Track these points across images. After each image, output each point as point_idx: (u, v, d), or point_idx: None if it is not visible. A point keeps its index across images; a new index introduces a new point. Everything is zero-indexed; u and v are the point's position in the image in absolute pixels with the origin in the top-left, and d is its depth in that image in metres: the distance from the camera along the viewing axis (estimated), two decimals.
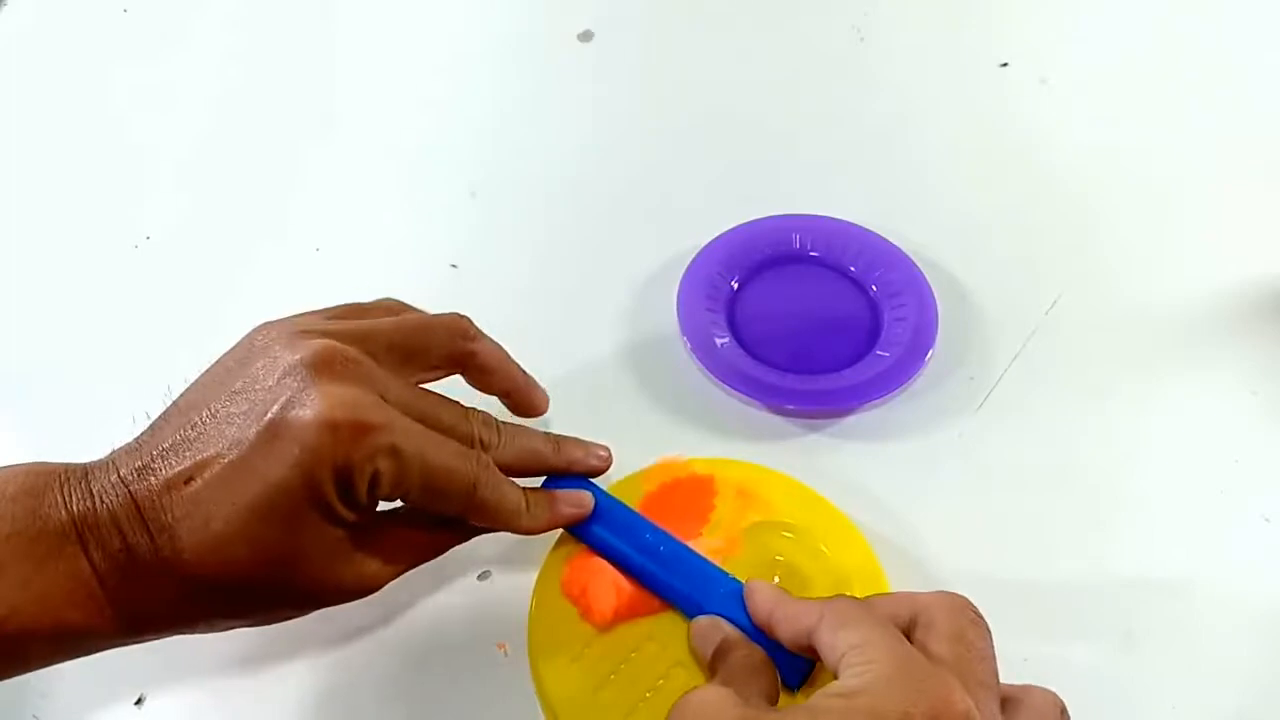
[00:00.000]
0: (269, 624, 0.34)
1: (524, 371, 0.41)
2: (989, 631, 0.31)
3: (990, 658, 0.30)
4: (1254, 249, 0.51)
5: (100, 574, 0.30)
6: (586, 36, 0.63)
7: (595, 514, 0.38)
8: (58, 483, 0.31)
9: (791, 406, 0.45)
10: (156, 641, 0.39)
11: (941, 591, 0.31)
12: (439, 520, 0.36)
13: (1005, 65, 0.60)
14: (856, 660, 0.28)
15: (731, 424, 0.45)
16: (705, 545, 0.38)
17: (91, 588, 0.30)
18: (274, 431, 0.30)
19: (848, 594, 0.37)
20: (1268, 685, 0.38)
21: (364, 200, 0.55)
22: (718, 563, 0.38)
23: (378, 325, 0.36)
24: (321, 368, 0.32)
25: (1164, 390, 0.46)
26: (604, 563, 0.38)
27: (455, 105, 0.60)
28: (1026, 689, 0.31)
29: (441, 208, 0.54)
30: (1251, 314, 0.49)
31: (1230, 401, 0.46)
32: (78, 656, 0.32)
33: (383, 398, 0.32)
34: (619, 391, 0.46)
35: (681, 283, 0.48)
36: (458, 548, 0.38)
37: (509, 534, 0.38)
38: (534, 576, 0.38)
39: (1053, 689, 0.31)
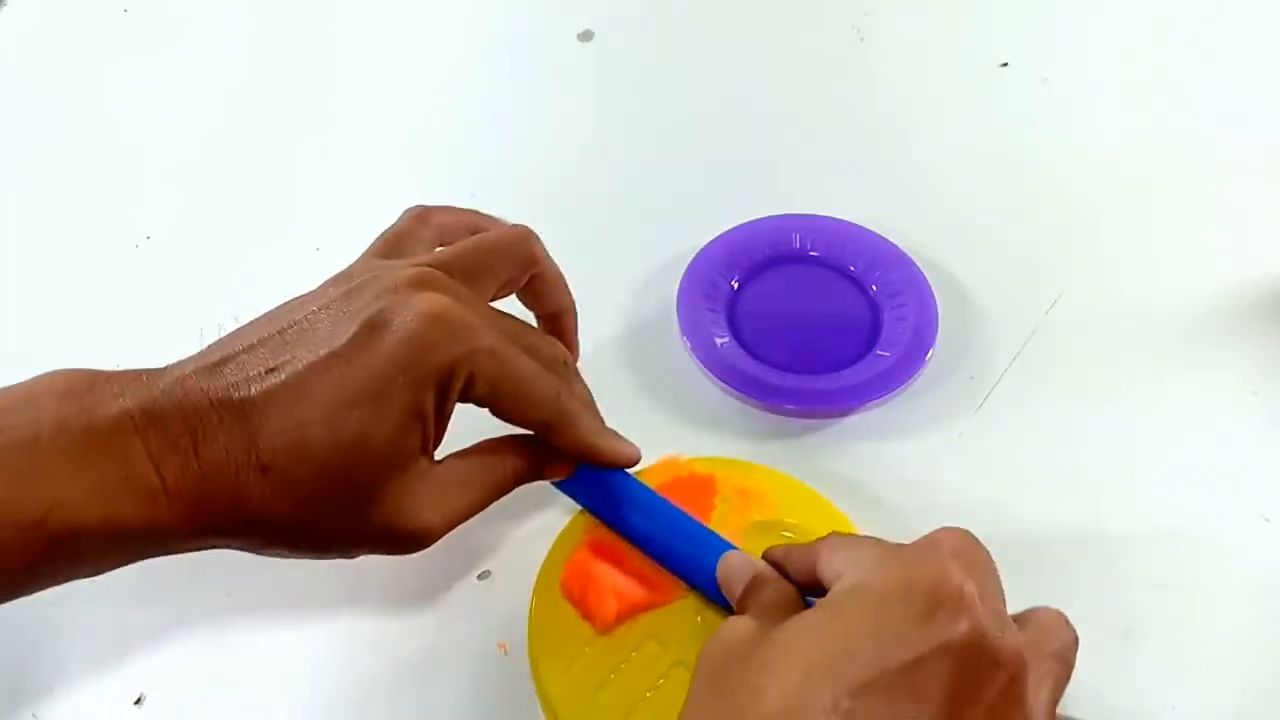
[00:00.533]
0: (324, 556, 0.33)
1: (574, 302, 0.41)
2: (991, 560, 0.31)
3: (994, 574, 0.30)
4: (1254, 249, 0.51)
5: (159, 467, 0.29)
6: (586, 36, 0.63)
7: (620, 492, 0.38)
8: (107, 380, 0.30)
9: (791, 406, 0.45)
10: (157, 641, 0.39)
11: (945, 526, 0.31)
12: (510, 447, 0.36)
13: (1005, 65, 0.60)
14: (850, 567, 0.30)
15: (731, 424, 0.45)
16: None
17: (149, 481, 0.28)
18: (375, 326, 0.30)
19: None
20: (1268, 685, 0.38)
21: (364, 200, 0.55)
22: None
23: (444, 255, 0.36)
24: (416, 283, 0.32)
25: (1164, 390, 0.46)
26: (603, 565, 0.37)
27: (455, 105, 0.60)
28: (1032, 610, 0.31)
29: None
30: (1251, 314, 0.49)
31: (1230, 401, 0.46)
32: (141, 558, 0.31)
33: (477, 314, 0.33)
34: (618, 391, 0.46)
35: (681, 283, 0.48)
36: (459, 546, 0.38)
37: (508, 534, 0.38)
38: (534, 576, 0.38)
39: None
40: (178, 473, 0.29)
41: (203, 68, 0.62)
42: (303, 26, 0.64)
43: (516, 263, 0.38)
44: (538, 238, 0.39)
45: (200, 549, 0.31)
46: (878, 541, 0.31)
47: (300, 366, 0.30)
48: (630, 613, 0.37)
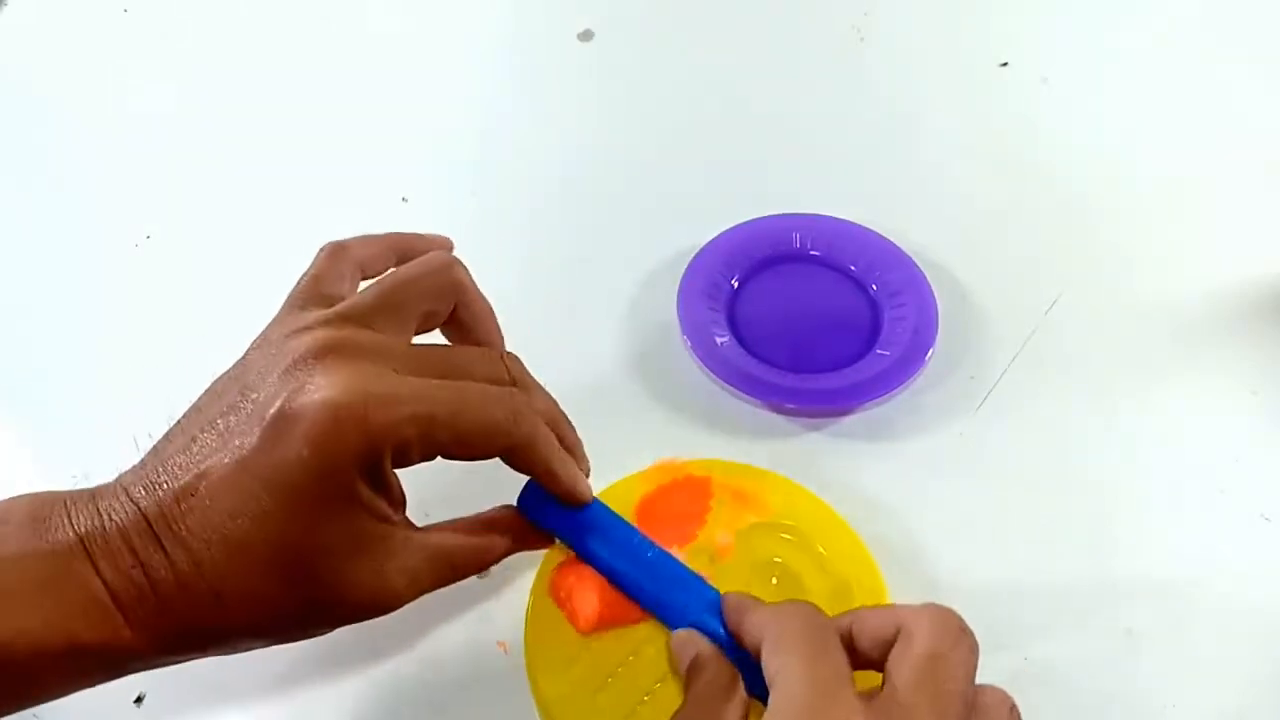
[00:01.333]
0: (302, 639, 0.32)
1: (501, 337, 0.39)
2: (974, 646, 0.29)
3: (963, 677, 0.29)
4: (1254, 249, 0.51)
5: (114, 591, 0.29)
6: (586, 36, 0.63)
7: (587, 521, 0.37)
8: (63, 506, 0.30)
9: (792, 405, 0.45)
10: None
11: (931, 605, 0.30)
12: (495, 527, 0.35)
13: (1005, 65, 0.60)
14: (774, 690, 0.29)
15: (731, 423, 0.45)
16: (702, 547, 0.38)
17: (105, 605, 0.29)
18: (279, 426, 0.29)
19: (848, 596, 0.38)
20: (1268, 685, 0.38)
21: (364, 200, 0.55)
22: (715, 564, 0.38)
23: (359, 301, 0.34)
24: (320, 354, 0.30)
25: (1164, 390, 0.46)
26: (589, 568, 0.37)
27: (455, 105, 0.60)
28: (979, 690, 0.30)
29: (441, 207, 0.54)
30: (1251, 314, 0.49)
31: (1230, 401, 0.46)
32: (111, 677, 0.30)
33: (394, 369, 0.31)
34: (619, 390, 0.46)
35: (681, 282, 0.48)
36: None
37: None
38: (534, 576, 0.38)
39: (1005, 690, 0.30)
40: (132, 596, 0.29)
41: (203, 68, 0.62)
42: (303, 27, 0.64)
43: (438, 295, 0.35)
44: (462, 265, 0.37)
45: (178, 662, 0.31)
46: (809, 660, 0.29)
47: (218, 480, 0.29)
48: (614, 619, 0.36)
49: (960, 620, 0.30)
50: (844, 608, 0.37)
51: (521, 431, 0.33)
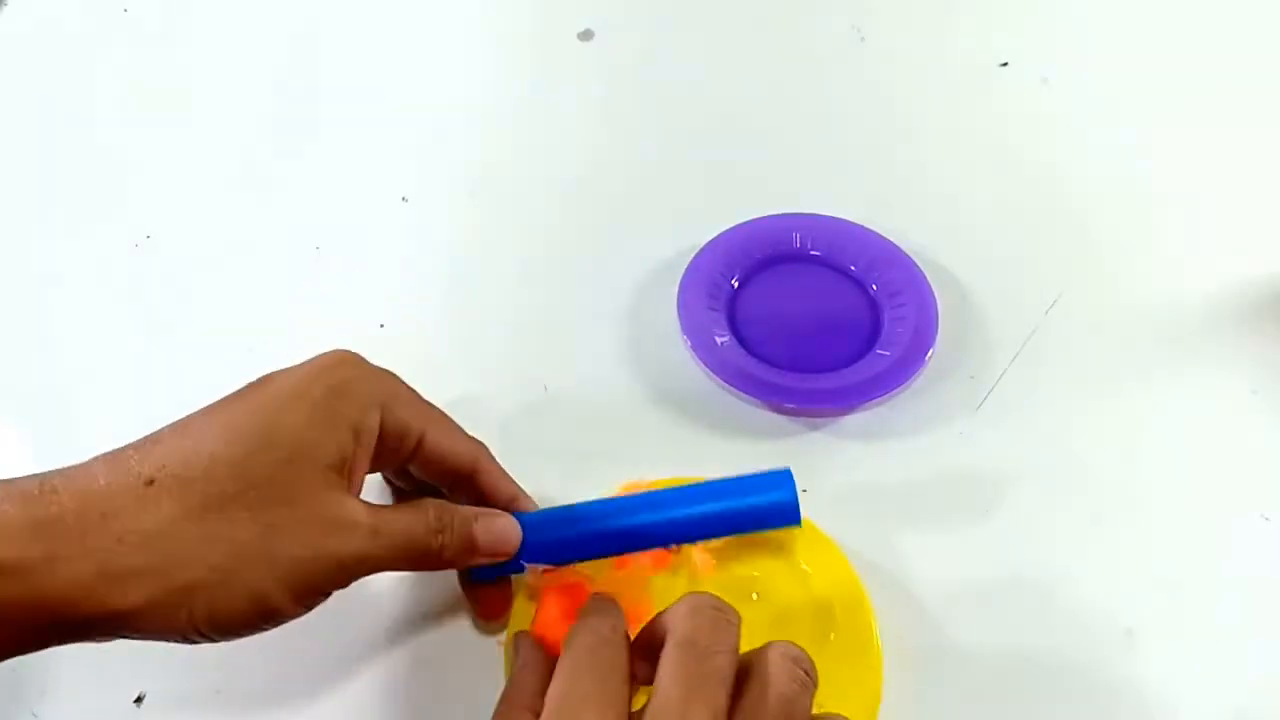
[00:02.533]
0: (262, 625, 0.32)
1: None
2: (729, 619, 0.30)
3: (721, 650, 0.29)
4: (1254, 249, 0.51)
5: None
6: (586, 36, 0.63)
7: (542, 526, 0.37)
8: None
9: (792, 405, 0.45)
10: (157, 641, 0.39)
11: (685, 596, 0.31)
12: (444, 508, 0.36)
13: (1005, 65, 0.60)
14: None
15: (732, 423, 0.45)
16: (680, 566, 0.39)
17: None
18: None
19: (829, 612, 0.38)
20: (1268, 685, 0.38)
21: (364, 200, 0.55)
22: (694, 583, 0.38)
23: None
24: None
25: (1164, 389, 0.46)
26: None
27: (455, 105, 0.60)
28: (754, 654, 0.30)
29: (442, 208, 0.54)
30: (1251, 314, 0.49)
31: (1230, 401, 0.46)
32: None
33: None
34: (619, 390, 0.46)
35: (682, 282, 0.48)
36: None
37: None
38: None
39: (791, 645, 0.30)
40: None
41: (203, 67, 0.62)
42: (303, 26, 0.64)
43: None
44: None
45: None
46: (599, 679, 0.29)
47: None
48: None
49: (710, 598, 0.30)
50: (825, 623, 0.37)
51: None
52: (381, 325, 0.49)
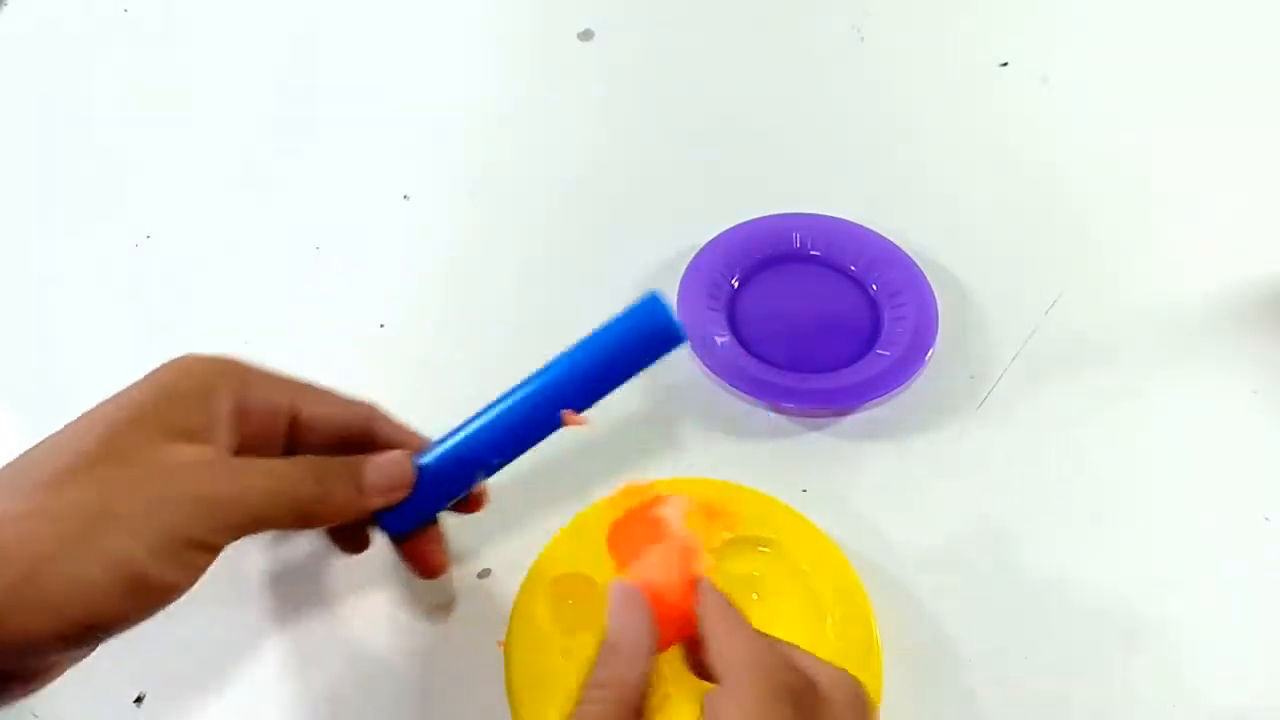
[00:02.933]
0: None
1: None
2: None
3: None
4: (1254, 249, 0.51)
5: None
6: (586, 36, 0.63)
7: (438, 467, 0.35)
8: None
9: (792, 405, 0.45)
10: (157, 641, 0.38)
11: (842, 673, 0.29)
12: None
13: (1005, 65, 0.60)
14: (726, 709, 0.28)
15: (731, 423, 0.45)
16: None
17: None
18: None
19: (823, 615, 0.38)
20: (1268, 685, 0.38)
21: (364, 200, 0.55)
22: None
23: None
24: None
25: (1164, 389, 0.46)
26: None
27: (455, 105, 0.60)
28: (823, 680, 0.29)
29: (441, 208, 0.54)
30: (1251, 314, 0.49)
31: (1230, 401, 0.46)
32: None
33: None
34: (619, 390, 0.46)
35: (681, 282, 0.48)
36: (459, 545, 0.37)
37: (510, 532, 0.38)
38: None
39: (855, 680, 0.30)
40: None
41: (203, 67, 0.62)
42: (304, 26, 0.64)
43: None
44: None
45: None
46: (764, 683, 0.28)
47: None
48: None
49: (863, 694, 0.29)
50: (825, 622, 0.38)
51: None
52: (382, 325, 0.49)
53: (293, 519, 0.32)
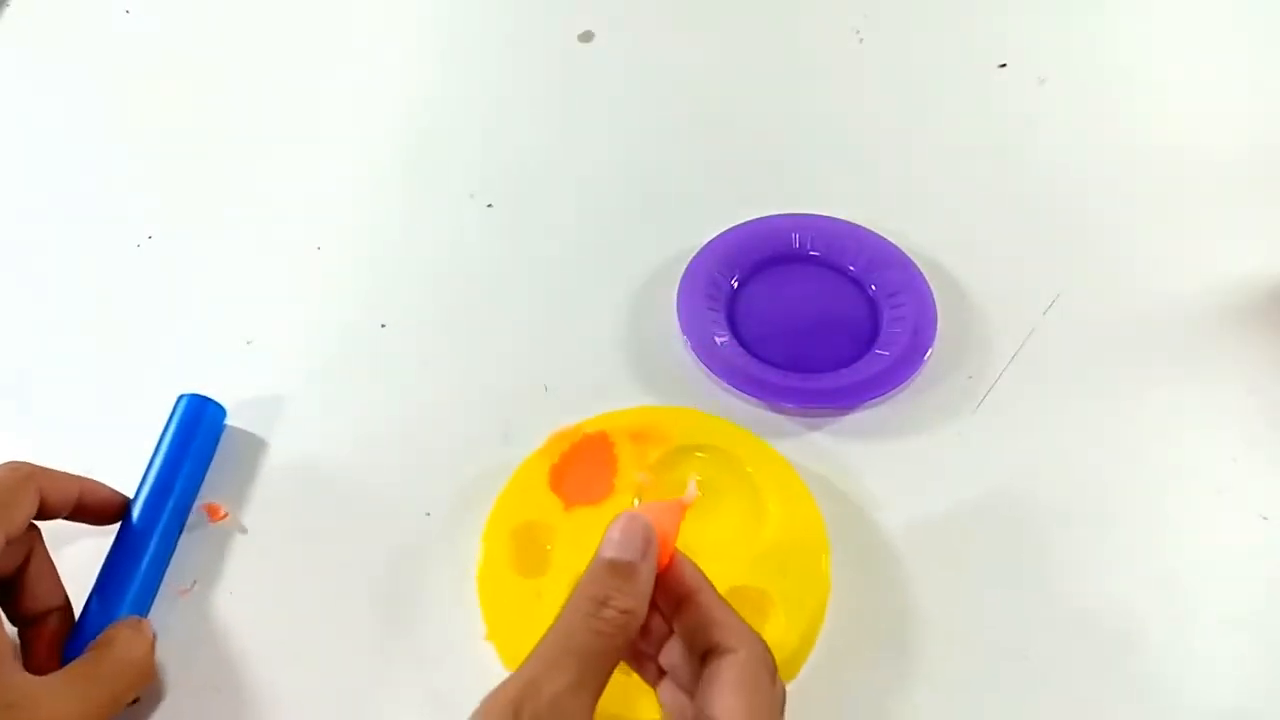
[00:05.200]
0: None
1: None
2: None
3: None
4: (1254, 249, 0.51)
5: None
6: (587, 36, 0.63)
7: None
8: None
9: (791, 405, 0.45)
10: (156, 640, 0.39)
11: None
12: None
13: (1004, 66, 0.60)
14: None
15: (731, 422, 0.45)
16: (623, 492, 0.41)
17: None
18: None
19: (763, 509, 0.41)
20: (1268, 685, 0.38)
21: (364, 200, 0.55)
22: (643, 499, 0.41)
23: None
24: None
25: (1162, 390, 0.46)
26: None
27: (456, 106, 0.60)
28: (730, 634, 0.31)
29: (442, 208, 0.54)
30: (1251, 314, 0.49)
31: (1229, 401, 0.46)
32: None
33: None
34: (619, 390, 0.46)
35: (681, 282, 0.48)
36: (457, 542, 0.37)
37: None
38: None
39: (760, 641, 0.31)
40: None
41: (203, 67, 0.62)
42: (304, 26, 0.64)
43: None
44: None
45: None
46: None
47: None
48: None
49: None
50: (762, 518, 0.40)
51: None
52: (382, 325, 0.49)
53: None
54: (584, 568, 0.32)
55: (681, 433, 0.42)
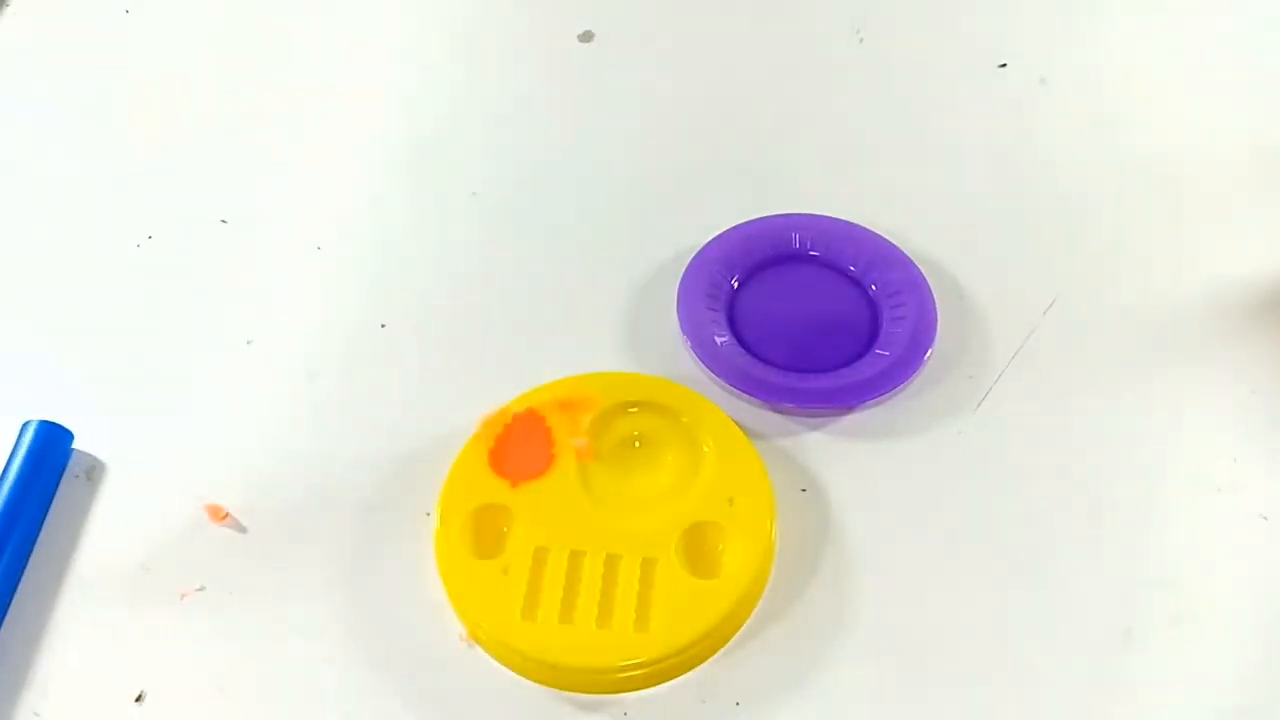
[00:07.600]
0: None
1: None
2: None
3: None
4: (1253, 249, 0.51)
5: None
6: (586, 37, 0.63)
7: None
8: None
9: (791, 405, 0.45)
10: (156, 641, 0.39)
11: None
12: None
13: (1004, 66, 0.60)
14: None
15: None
16: (565, 461, 0.41)
17: None
18: None
19: (700, 455, 0.42)
20: (1268, 685, 0.38)
21: (364, 200, 0.55)
22: (585, 465, 0.41)
23: None
24: None
25: (1163, 389, 0.46)
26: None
27: (455, 105, 0.60)
28: None
29: (441, 208, 0.54)
30: (1251, 314, 0.49)
31: (1229, 400, 0.46)
32: None
33: None
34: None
35: (681, 282, 0.48)
36: None
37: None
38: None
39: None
40: None
41: (204, 68, 0.62)
42: (304, 26, 0.64)
43: None
44: None
45: None
46: None
47: None
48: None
49: None
50: (699, 463, 0.42)
51: None
52: (382, 325, 0.49)
53: None
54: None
55: (608, 394, 0.43)
